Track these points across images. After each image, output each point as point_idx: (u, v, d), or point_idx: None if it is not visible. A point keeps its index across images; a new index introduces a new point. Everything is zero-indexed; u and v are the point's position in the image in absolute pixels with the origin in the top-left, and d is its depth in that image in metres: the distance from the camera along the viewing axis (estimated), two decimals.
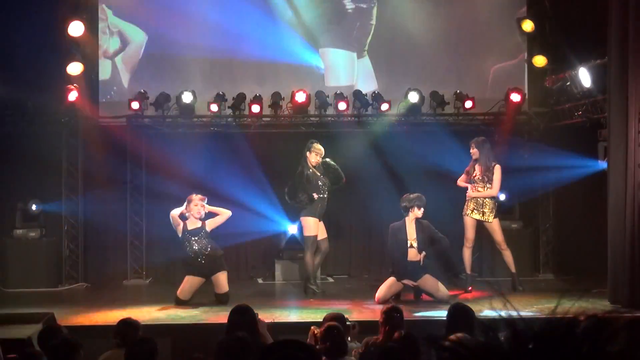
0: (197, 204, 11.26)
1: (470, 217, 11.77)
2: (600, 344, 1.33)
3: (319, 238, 11.72)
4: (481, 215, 11.73)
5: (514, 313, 1.47)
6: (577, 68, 12.21)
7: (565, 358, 1.31)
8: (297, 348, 3.89)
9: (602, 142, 11.46)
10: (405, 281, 10.93)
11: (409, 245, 11.00)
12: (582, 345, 1.32)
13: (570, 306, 1.43)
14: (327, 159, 11.85)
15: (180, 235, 11.23)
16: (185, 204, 11.31)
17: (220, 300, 10.97)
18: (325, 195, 11.74)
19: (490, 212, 11.70)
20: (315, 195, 11.60)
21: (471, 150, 11.82)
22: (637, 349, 1.33)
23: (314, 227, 11.67)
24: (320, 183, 11.71)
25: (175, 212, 11.23)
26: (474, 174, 11.77)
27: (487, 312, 7.95)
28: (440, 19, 13.63)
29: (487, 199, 11.70)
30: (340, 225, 13.95)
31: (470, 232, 11.82)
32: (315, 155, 11.74)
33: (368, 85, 13.54)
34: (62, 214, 13.35)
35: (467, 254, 11.85)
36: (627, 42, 10.08)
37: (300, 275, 12.77)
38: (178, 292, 11.04)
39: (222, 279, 11.13)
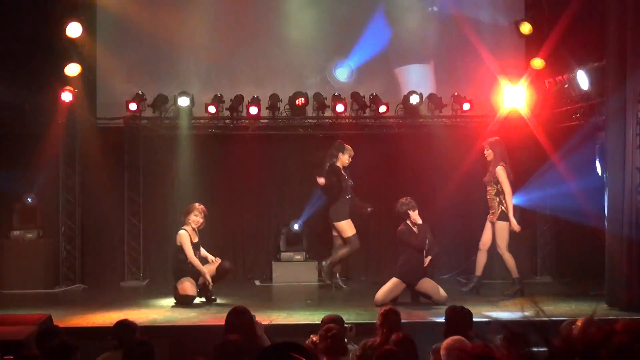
0: (198, 215, 11.26)
1: (488, 219, 11.68)
2: (636, 356, 1.31)
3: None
4: (490, 215, 11.64)
5: (544, 317, 1.45)
6: (575, 71, 12.21)
7: None
8: (294, 350, 3.88)
9: (600, 145, 11.45)
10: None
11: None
12: (619, 356, 1.31)
13: (606, 314, 1.41)
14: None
15: (185, 251, 11.18)
16: (186, 214, 11.32)
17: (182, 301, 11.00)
18: (350, 196, 12.15)
19: (494, 214, 11.57)
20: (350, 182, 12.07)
21: (485, 152, 11.70)
22: None
23: (349, 227, 12.12)
24: (350, 183, 12.07)
25: (183, 232, 11.23)
26: (485, 176, 11.69)
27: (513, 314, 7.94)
28: (439, 22, 13.62)
29: (493, 201, 11.56)
30: None
31: (484, 234, 11.70)
32: (349, 157, 11.94)
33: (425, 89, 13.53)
34: (60, 208, 13.33)
35: (479, 255, 11.75)
36: (625, 45, 10.09)
37: (296, 277, 12.87)
38: (181, 291, 11.02)
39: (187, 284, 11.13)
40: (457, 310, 6.99)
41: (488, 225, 11.70)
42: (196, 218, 11.27)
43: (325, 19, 13.61)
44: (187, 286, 11.05)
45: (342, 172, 12.16)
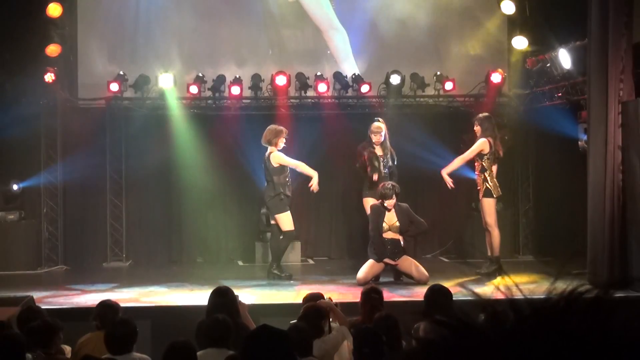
0: (286, 138, 11.43)
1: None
2: (599, 322, 1.29)
3: None
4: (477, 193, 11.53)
5: (512, 294, 1.43)
6: (557, 49, 12.21)
7: (563, 336, 1.28)
8: (278, 336, 3.89)
9: (582, 123, 11.47)
10: (386, 260, 10.92)
11: (386, 229, 11.00)
12: (581, 323, 1.29)
13: (566, 286, 1.38)
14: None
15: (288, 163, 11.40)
16: (277, 137, 11.36)
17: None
18: (383, 175, 11.61)
19: (479, 191, 11.48)
20: (376, 177, 11.51)
21: (475, 128, 11.52)
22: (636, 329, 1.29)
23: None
24: (376, 163, 11.62)
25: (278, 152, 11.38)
26: None
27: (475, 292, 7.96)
28: (421, 0, 13.58)
29: (479, 177, 11.41)
30: (321, 207, 13.94)
31: (482, 214, 11.57)
32: (373, 135, 11.65)
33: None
34: (41, 189, 13.26)
35: (487, 236, 11.68)
36: (607, 24, 10.09)
37: None
38: (287, 229, 11.36)
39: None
40: (437, 289, 7.02)
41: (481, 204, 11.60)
42: (284, 140, 11.38)
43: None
44: (289, 220, 11.36)
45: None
